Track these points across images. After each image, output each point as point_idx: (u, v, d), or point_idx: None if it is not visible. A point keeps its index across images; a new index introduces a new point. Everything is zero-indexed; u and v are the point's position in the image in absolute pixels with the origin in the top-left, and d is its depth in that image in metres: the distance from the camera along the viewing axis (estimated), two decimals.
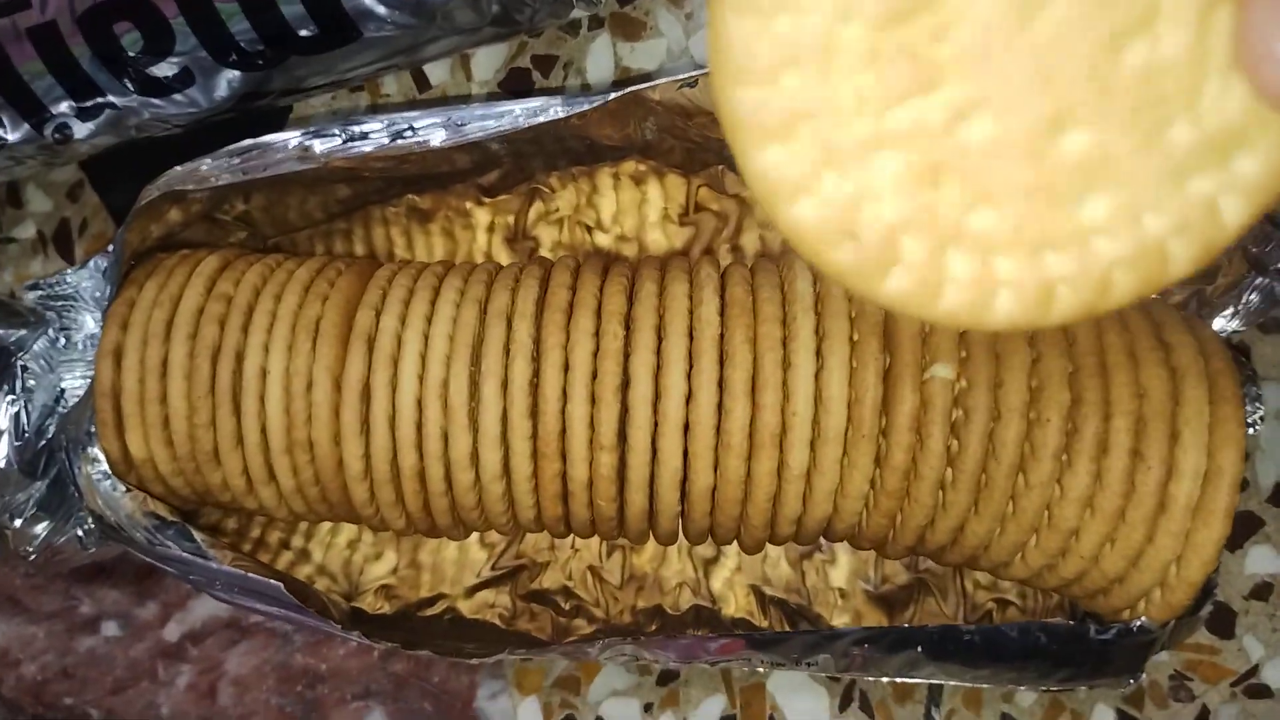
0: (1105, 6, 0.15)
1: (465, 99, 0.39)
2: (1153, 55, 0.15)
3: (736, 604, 0.36)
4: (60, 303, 0.35)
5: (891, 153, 0.16)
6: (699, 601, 0.37)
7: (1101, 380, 0.28)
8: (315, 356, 0.31)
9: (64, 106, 0.34)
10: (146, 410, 0.32)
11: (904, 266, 0.16)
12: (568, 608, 0.37)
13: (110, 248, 0.34)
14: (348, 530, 0.38)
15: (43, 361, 0.35)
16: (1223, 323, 0.32)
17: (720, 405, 0.29)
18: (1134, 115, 0.15)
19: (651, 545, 0.37)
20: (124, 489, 0.33)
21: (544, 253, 0.37)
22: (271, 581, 0.31)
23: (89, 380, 0.34)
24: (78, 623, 0.42)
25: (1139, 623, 0.29)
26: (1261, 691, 0.36)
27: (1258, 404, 0.31)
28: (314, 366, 0.31)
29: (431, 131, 0.32)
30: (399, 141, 0.32)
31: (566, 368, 0.30)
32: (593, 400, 0.30)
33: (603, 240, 0.37)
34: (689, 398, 0.29)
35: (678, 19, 0.38)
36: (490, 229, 0.37)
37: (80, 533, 0.35)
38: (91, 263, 0.35)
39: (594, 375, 0.30)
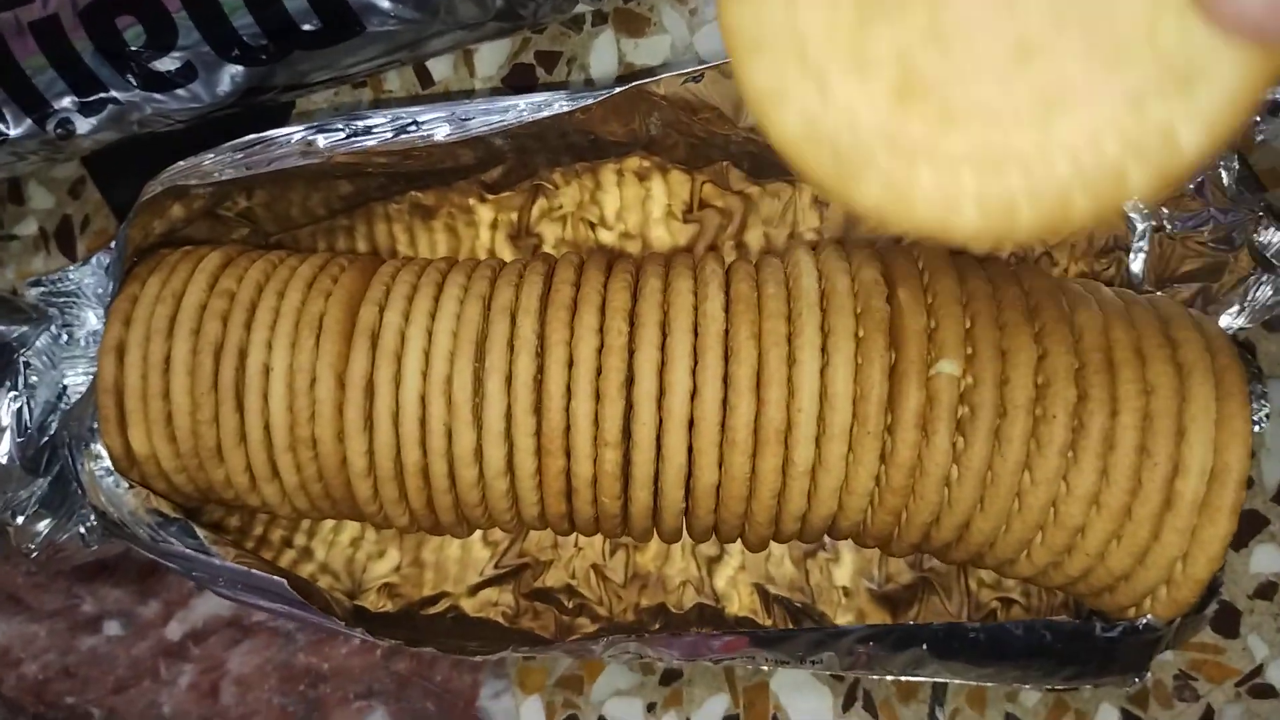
0: None
1: (468, 94, 0.39)
2: None
3: (740, 602, 0.36)
4: (62, 299, 0.35)
5: (869, 72, 0.17)
6: (703, 600, 0.36)
7: (1108, 376, 0.28)
8: (318, 353, 0.31)
9: (66, 101, 0.34)
10: (149, 406, 0.32)
11: (877, 177, 0.18)
12: (571, 606, 0.37)
13: (113, 244, 0.34)
14: (350, 528, 0.38)
15: (45, 358, 0.35)
16: (1229, 320, 0.32)
17: (725, 401, 0.29)
18: (1092, 46, 0.17)
19: (655, 544, 0.37)
20: (127, 485, 0.33)
21: (547, 250, 0.37)
22: (275, 578, 0.31)
23: (91, 377, 0.34)
24: (79, 621, 0.42)
25: (1145, 620, 0.29)
26: (1266, 691, 0.36)
27: (1263, 401, 0.30)
28: (317, 363, 0.31)
29: (435, 126, 0.32)
30: (403, 136, 0.32)
31: (570, 364, 0.30)
32: (597, 396, 0.30)
33: (606, 237, 0.37)
34: (693, 394, 0.29)
35: (681, 15, 0.38)
36: (493, 226, 0.37)
37: (82, 530, 0.35)
38: (94, 259, 0.35)
39: (598, 371, 0.30)
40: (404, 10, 0.33)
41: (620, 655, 0.33)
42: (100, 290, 0.35)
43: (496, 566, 0.37)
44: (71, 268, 0.35)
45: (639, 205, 0.36)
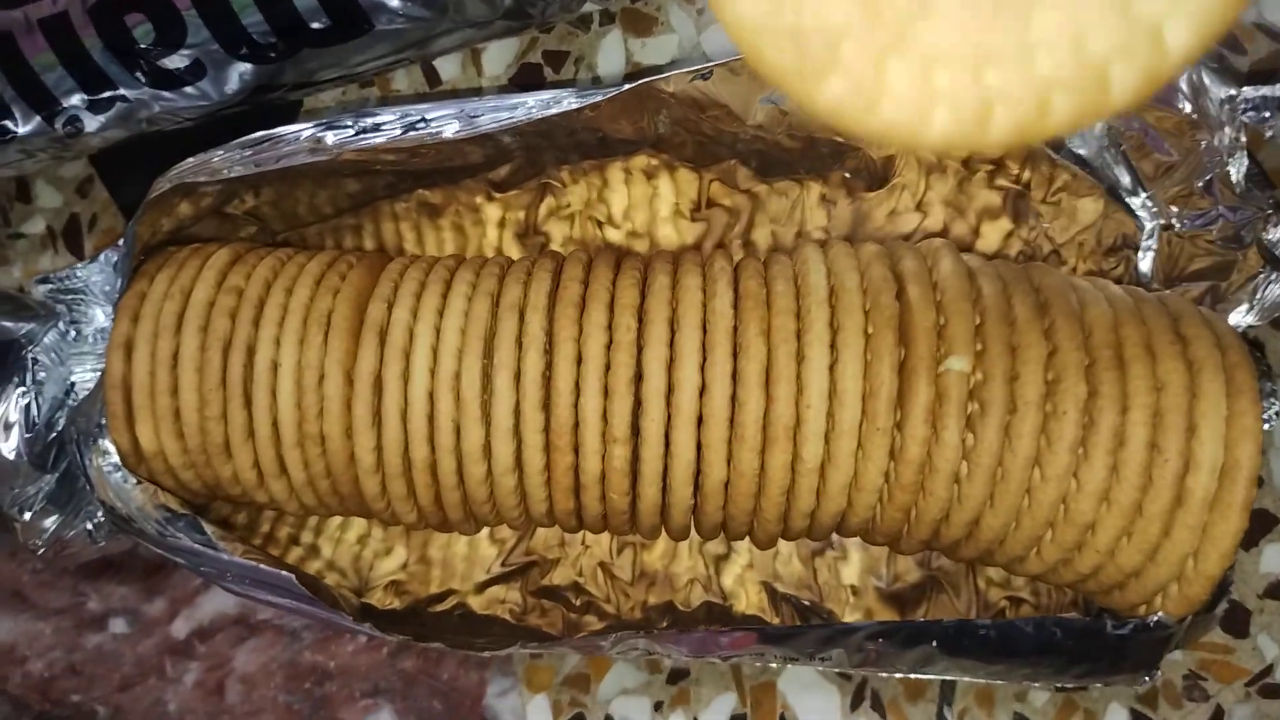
0: None
1: (476, 93, 0.39)
2: None
3: (748, 601, 0.36)
4: (70, 296, 0.35)
5: None
6: (710, 598, 0.36)
7: (1119, 373, 0.28)
8: (327, 349, 0.31)
9: (75, 99, 0.34)
10: (157, 403, 0.32)
11: (843, 73, 0.16)
12: (578, 604, 0.37)
13: (121, 241, 0.34)
14: (357, 526, 0.38)
15: (53, 354, 0.35)
16: (1238, 318, 0.32)
17: (734, 398, 0.29)
18: None
19: (662, 542, 0.37)
20: (134, 481, 0.33)
21: (555, 248, 0.37)
22: (283, 573, 0.31)
23: (99, 373, 0.34)
24: (85, 619, 0.42)
25: (1156, 618, 0.29)
26: (1276, 691, 0.36)
27: (1272, 399, 0.30)
28: (325, 359, 0.31)
29: (444, 123, 0.32)
30: (411, 133, 0.32)
31: (579, 360, 0.30)
32: (606, 393, 0.30)
33: (613, 236, 0.37)
34: (702, 390, 0.29)
35: (689, 14, 0.38)
36: (501, 224, 0.37)
37: (89, 526, 0.35)
38: (101, 257, 0.35)
39: (607, 368, 0.30)
40: (413, 8, 0.33)
41: (629, 652, 0.33)
42: (108, 288, 0.35)
43: (504, 564, 0.37)
44: (79, 265, 0.35)
45: (646, 204, 0.36)
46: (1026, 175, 0.34)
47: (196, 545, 0.32)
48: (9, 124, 0.35)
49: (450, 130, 0.32)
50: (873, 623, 0.33)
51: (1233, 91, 0.30)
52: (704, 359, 0.29)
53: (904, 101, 0.16)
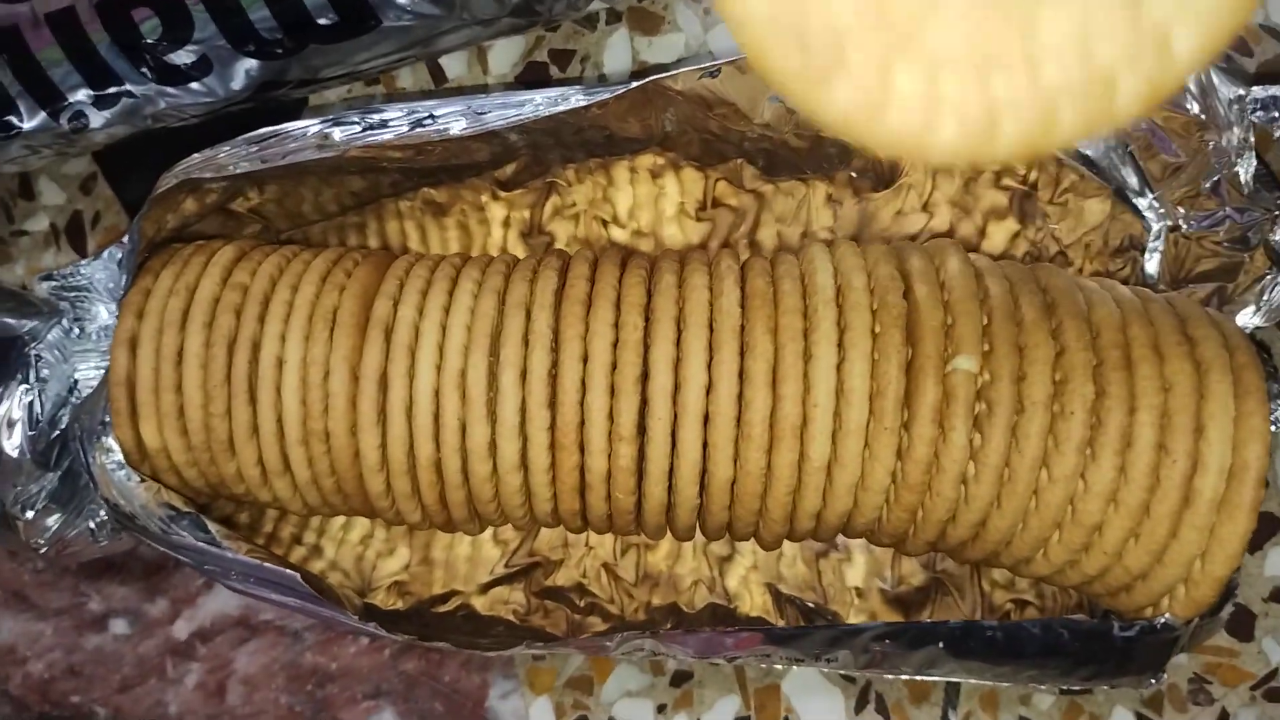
0: None
1: (482, 91, 0.39)
2: None
3: (752, 602, 0.36)
4: (74, 293, 0.35)
5: None
6: (714, 600, 0.36)
7: (1126, 373, 0.28)
8: (332, 346, 0.31)
9: (81, 95, 0.34)
10: (161, 399, 0.32)
11: (850, 79, 0.16)
12: (582, 605, 0.36)
13: (125, 238, 0.34)
14: (360, 526, 0.38)
15: (56, 351, 0.35)
16: (1244, 320, 0.32)
17: (740, 396, 0.29)
18: None
19: (666, 543, 0.37)
20: (138, 479, 0.33)
21: (559, 247, 0.37)
22: (287, 571, 0.31)
23: (103, 371, 0.34)
24: (86, 620, 0.42)
25: (1162, 620, 0.29)
26: None
27: (1279, 401, 0.30)
28: (331, 356, 0.31)
29: (451, 120, 0.31)
30: (418, 130, 0.31)
31: (585, 359, 0.30)
32: (612, 391, 0.30)
33: (619, 235, 0.37)
34: (709, 389, 0.29)
35: (695, 14, 0.38)
36: (505, 223, 0.37)
37: (92, 525, 0.35)
38: (105, 254, 0.35)
39: (613, 366, 0.30)
40: (421, 5, 0.33)
41: (634, 653, 0.33)
42: (111, 285, 0.35)
43: (507, 565, 0.37)
44: (83, 262, 0.35)
45: (652, 203, 0.36)
46: (1033, 176, 0.34)
47: (200, 543, 0.32)
48: (14, 119, 0.35)
49: (458, 127, 0.31)
50: (879, 624, 0.33)
51: (1241, 92, 0.30)
52: (711, 358, 0.29)
53: (911, 109, 0.16)
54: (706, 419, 0.29)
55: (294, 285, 0.32)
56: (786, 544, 0.35)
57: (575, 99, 0.31)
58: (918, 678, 0.33)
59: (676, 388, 0.29)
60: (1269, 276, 0.32)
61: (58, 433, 0.34)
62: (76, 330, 0.35)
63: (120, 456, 0.33)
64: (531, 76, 0.39)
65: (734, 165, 0.35)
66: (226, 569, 0.32)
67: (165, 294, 0.32)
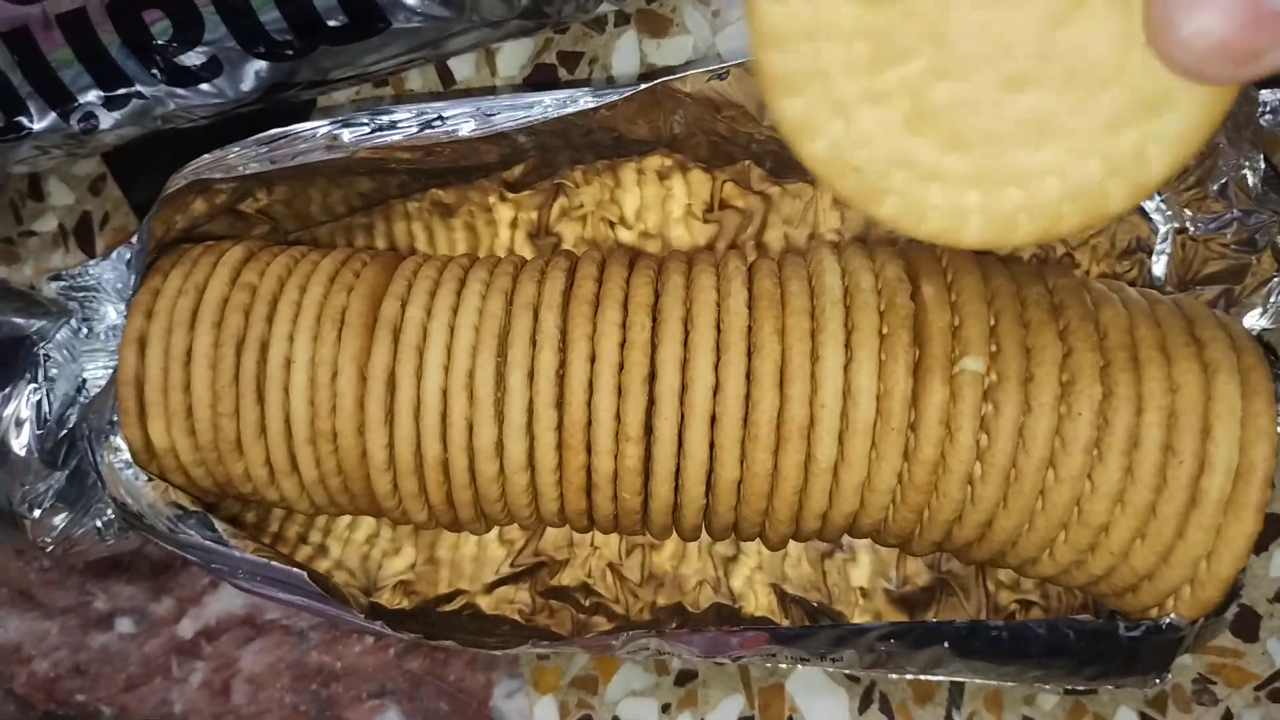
0: None
1: (491, 92, 0.39)
2: (1085, 31, 0.19)
3: (757, 602, 0.36)
4: (82, 293, 0.35)
5: (883, 105, 0.20)
6: (719, 600, 0.36)
7: (1133, 374, 0.28)
8: (340, 346, 0.31)
9: (91, 95, 0.34)
10: (169, 399, 0.32)
11: (895, 194, 0.21)
12: (587, 605, 0.37)
13: (134, 238, 0.34)
14: (366, 525, 0.38)
15: (65, 351, 0.35)
16: (1251, 322, 0.32)
17: (747, 397, 0.29)
18: (1071, 80, 0.19)
19: (671, 543, 0.37)
20: (146, 478, 0.33)
21: (567, 249, 0.37)
22: (295, 570, 0.31)
23: (111, 370, 0.34)
24: (92, 618, 0.42)
25: (1168, 620, 0.29)
26: None
27: None
28: (339, 355, 0.31)
29: (460, 121, 0.32)
30: (427, 131, 0.32)
31: (593, 359, 0.30)
32: (619, 391, 0.30)
33: (626, 236, 0.37)
34: (716, 389, 0.29)
35: (704, 16, 0.38)
36: (513, 224, 0.37)
37: (99, 524, 0.35)
38: (114, 254, 0.35)
39: (620, 366, 0.30)
40: (431, 6, 0.33)
41: (639, 652, 0.33)
42: (120, 285, 0.35)
43: (512, 565, 0.37)
44: (91, 262, 0.35)
45: (659, 204, 0.36)
46: None
47: (207, 542, 0.32)
48: (24, 120, 0.35)
49: (466, 128, 0.32)
50: (885, 623, 0.33)
51: (1249, 95, 0.30)
52: (718, 358, 0.29)
53: (944, 214, 0.21)
54: (713, 419, 0.29)
55: (302, 285, 0.32)
56: (791, 544, 0.35)
57: (583, 101, 0.31)
58: (922, 677, 0.33)
59: (683, 388, 0.29)
60: (1276, 279, 0.32)
61: (65, 432, 0.34)
62: (85, 330, 0.35)
63: (128, 455, 0.33)
64: (540, 78, 0.39)
65: (741, 167, 0.35)
66: (233, 568, 0.33)
67: (174, 294, 0.33)
